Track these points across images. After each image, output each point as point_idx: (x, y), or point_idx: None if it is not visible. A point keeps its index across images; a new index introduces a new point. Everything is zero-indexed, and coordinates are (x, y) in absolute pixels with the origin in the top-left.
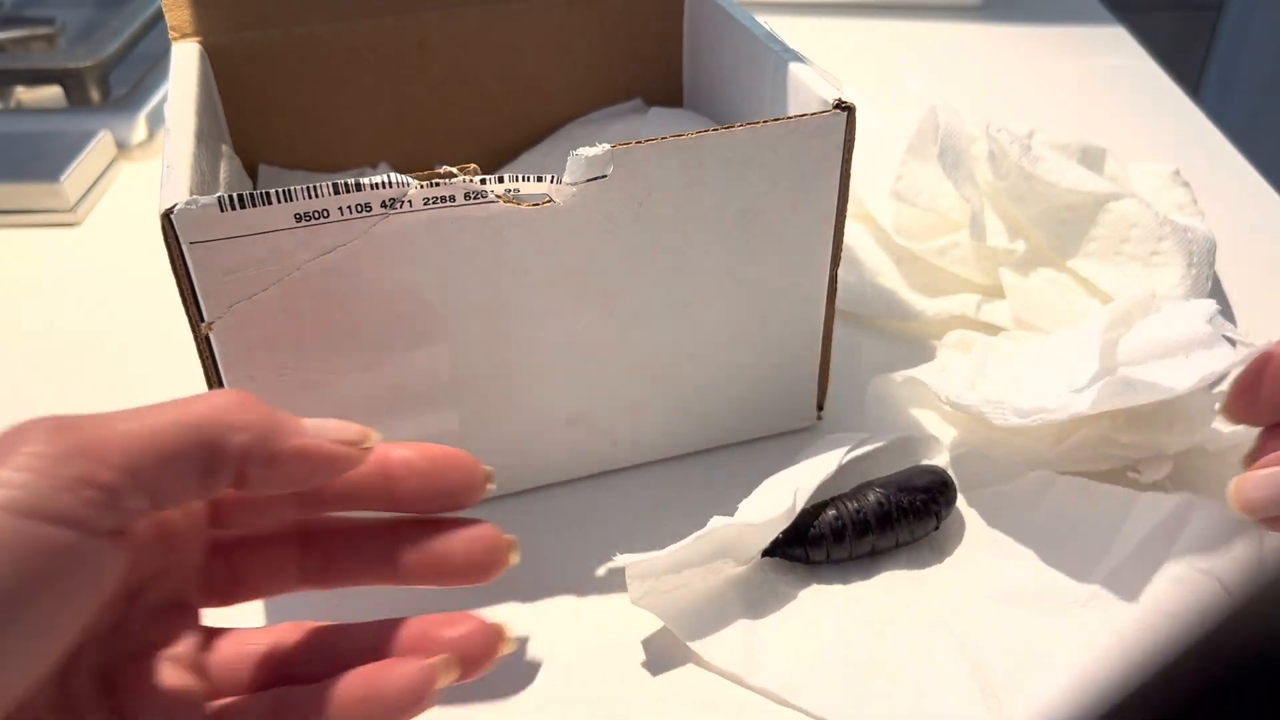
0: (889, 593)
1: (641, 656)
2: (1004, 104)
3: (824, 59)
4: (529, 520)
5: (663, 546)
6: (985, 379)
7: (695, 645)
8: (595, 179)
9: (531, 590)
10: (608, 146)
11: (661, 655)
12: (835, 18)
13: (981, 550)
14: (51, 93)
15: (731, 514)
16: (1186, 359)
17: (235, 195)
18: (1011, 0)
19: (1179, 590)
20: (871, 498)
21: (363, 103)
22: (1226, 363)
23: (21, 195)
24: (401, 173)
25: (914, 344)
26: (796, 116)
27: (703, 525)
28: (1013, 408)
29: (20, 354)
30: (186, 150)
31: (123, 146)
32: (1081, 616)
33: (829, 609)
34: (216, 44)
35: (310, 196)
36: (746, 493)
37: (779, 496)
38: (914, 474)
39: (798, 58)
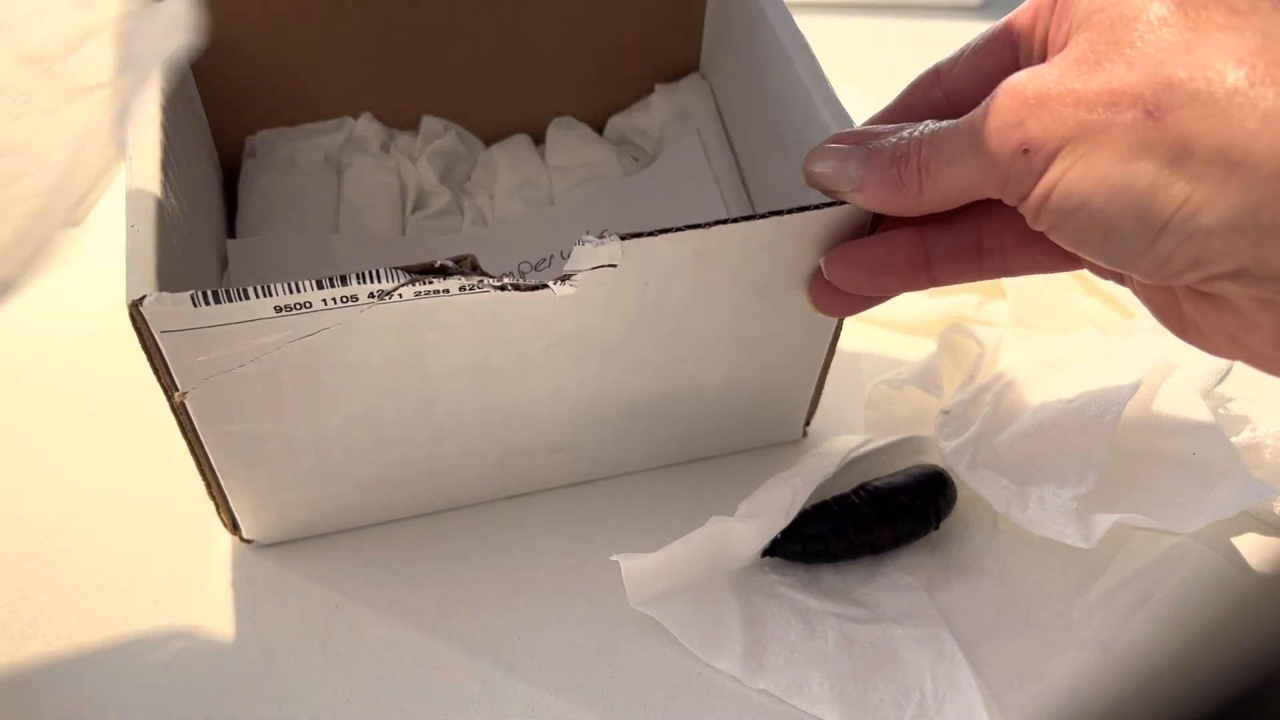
0: (889, 593)
1: (641, 658)
2: None
3: (824, 59)
4: (527, 524)
5: (661, 547)
6: (982, 412)
7: (695, 647)
8: (602, 267)
9: (531, 593)
10: (618, 239)
11: (661, 657)
12: (835, 17)
13: (982, 552)
14: None
15: (730, 514)
16: (1204, 492)
17: (210, 292)
18: (1011, 0)
19: (1168, 621)
20: (871, 498)
21: (344, 54)
22: (1232, 506)
23: None
24: (387, 123)
25: (913, 344)
26: (825, 206)
27: (701, 526)
28: (1019, 506)
29: (20, 354)
30: (150, 198)
31: (123, 146)
32: (1077, 627)
33: (829, 609)
34: None
35: (292, 291)
36: (743, 495)
37: (778, 496)
38: (914, 474)
39: (822, 82)
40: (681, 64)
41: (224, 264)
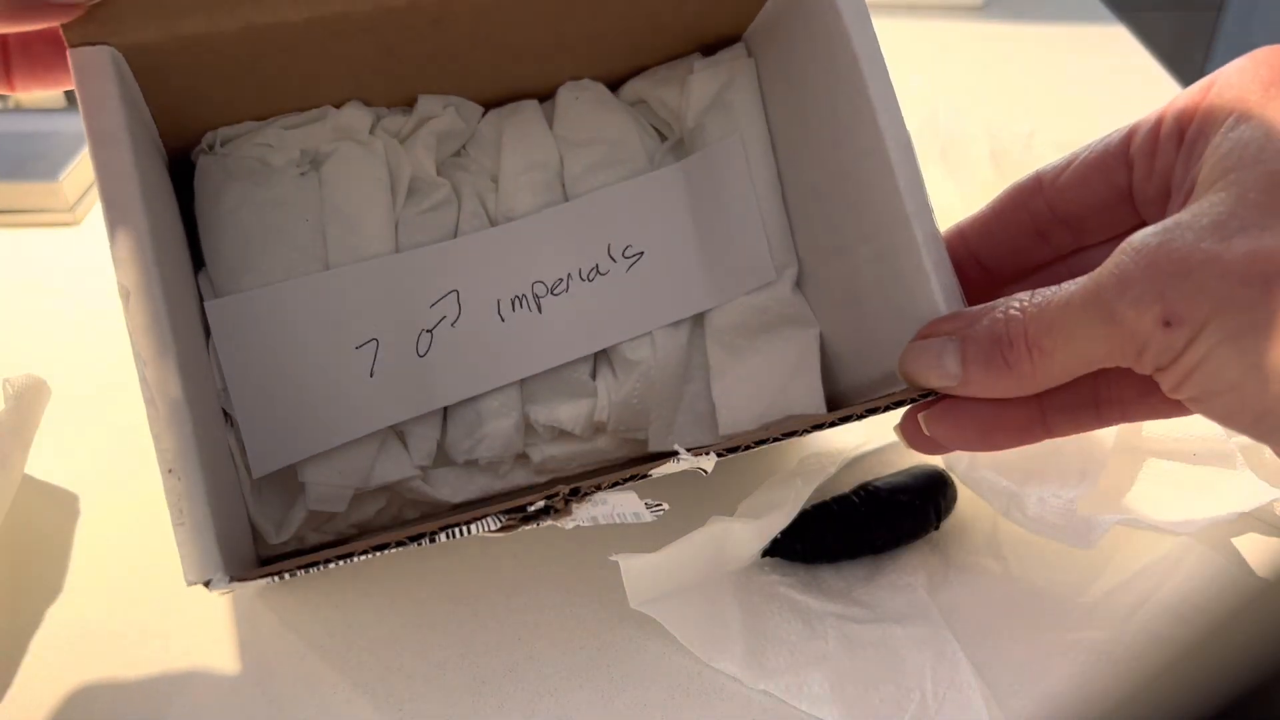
0: (889, 593)
1: (641, 658)
2: (1004, 104)
3: None
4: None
5: (661, 547)
6: None
7: (695, 647)
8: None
9: (531, 593)
10: (715, 457)
11: (661, 657)
12: None
13: (982, 552)
14: (51, 92)
15: (730, 514)
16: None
17: (298, 569)
18: (1017, 4)
19: (1168, 621)
20: (871, 498)
21: (316, 25)
22: (1232, 506)
23: (20, 195)
24: (372, 104)
25: None
26: (924, 398)
27: (701, 526)
28: (1019, 506)
29: (19, 354)
30: (183, 421)
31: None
32: (1077, 627)
33: (829, 609)
34: (132, 44)
35: (377, 549)
36: (743, 495)
37: (778, 496)
38: (914, 474)
39: (892, 104)
40: (723, 28)
41: (203, 318)
